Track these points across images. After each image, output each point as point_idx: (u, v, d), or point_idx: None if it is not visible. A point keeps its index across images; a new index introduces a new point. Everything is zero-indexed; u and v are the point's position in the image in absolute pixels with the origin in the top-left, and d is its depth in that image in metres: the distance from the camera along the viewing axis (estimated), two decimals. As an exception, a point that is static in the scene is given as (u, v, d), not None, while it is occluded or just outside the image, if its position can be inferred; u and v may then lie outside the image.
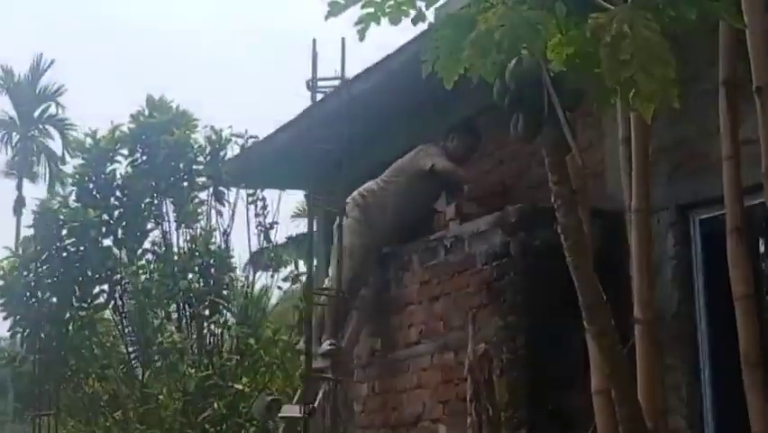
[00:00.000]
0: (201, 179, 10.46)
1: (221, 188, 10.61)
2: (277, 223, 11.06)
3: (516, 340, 6.26)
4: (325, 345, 7.58)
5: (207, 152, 10.56)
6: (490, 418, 5.75)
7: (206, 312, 9.89)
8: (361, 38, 4.33)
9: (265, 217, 10.78)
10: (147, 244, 10.68)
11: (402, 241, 7.77)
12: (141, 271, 10.33)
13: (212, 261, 10.26)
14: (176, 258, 10.32)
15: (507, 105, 3.97)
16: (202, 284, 9.97)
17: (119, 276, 10.18)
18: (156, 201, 10.50)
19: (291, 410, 7.69)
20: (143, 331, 9.72)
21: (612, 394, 4.07)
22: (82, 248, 10.16)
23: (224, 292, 10.33)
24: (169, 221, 10.57)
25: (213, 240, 10.47)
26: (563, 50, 3.77)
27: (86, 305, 10.16)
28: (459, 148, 7.65)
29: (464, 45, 3.74)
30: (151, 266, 10.46)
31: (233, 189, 10.71)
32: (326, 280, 7.88)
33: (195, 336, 9.67)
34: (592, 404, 5.70)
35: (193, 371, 9.17)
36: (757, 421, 4.97)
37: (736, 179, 5.06)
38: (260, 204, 10.73)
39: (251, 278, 10.45)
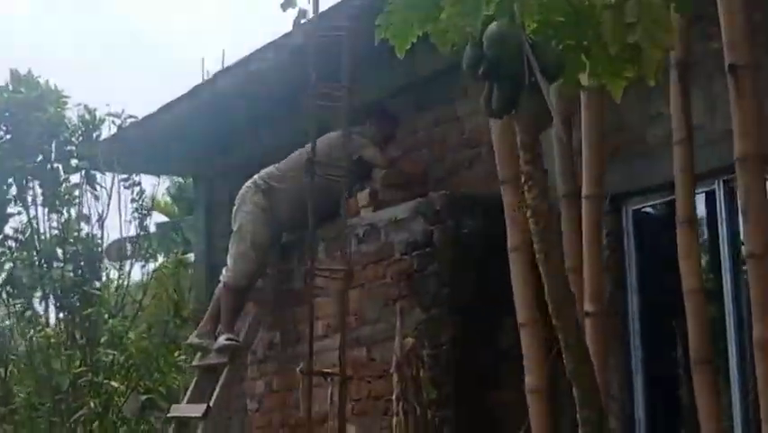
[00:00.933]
0: (74, 162, 9.81)
1: (93, 171, 10.01)
2: (153, 210, 10.56)
3: (441, 335, 5.91)
4: (222, 340, 7.11)
5: (80, 132, 9.94)
6: (417, 417, 5.42)
7: (78, 304, 9.29)
8: None
9: (142, 203, 10.26)
10: (9, 230, 10.03)
11: (307, 229, 7.33)
12: (2, 259, 9.67)
13: (80, 249, 9.67)
14: (40, 246, 9.69)
15: (480, 74, 3.60)
16: (74, 274, 9.35)
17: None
18: (23, 183, 9.83)
19: (184, 410, 7.18)
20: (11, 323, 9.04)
21: (574, 394, 3.74)
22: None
23: (97, 283, 9.76)
24: (36, 205, 9.91)
25: (79, 227, 9.87)
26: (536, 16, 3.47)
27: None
28: (377, 135, 7.24)
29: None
30: (14, 254, 9.81)
31: (109, 174, 10.13)
32: (224, 271, 7.38)
33: (68, 330, 9.05)
34: (521, 403, 5.43)
35: (66, 367, 8.56)
36: (709, 422, 4.75)
37: (688, 164, 4.82)
38: (136, 189, 10.21)
39: (126, 268, 9.82)
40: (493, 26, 3.46)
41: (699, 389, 4.74)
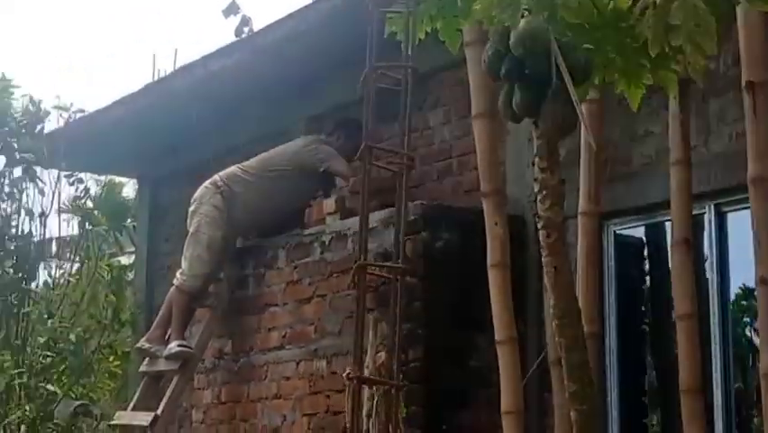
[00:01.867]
0: (17, 154, 9.41)
1: (35, 166, 9.61)
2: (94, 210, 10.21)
3: (410, 351, 5.68)
4: (174, 346, 6.81)
5: (23, 123, 9.54)
6: (385, 436, 5.18)
7: (15, 303, 8.89)
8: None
9: (85, 202, 9.90)
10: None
11: (265, 236, 7.08)
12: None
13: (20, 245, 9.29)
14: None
15: (503, 74, 3.41)
16: (12, 271, 8.96)
17: None
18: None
19: (130, 418, 6.85)
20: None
21: (572, 417, 3.54)
22: None
23: (34, 283, 9.39)
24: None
25: (19, 222, 9.48)
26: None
27: None
28: (346, 147, 7.00)
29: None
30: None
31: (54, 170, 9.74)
32: (178, 274, 7.08)
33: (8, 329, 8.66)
34: (494, 424, 5.25)
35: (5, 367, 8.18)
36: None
37: (686, 185, 4.68)
38: (80, 186, 9.85)
39: (66, 267, 9.44)
40: (523, 23, 3.28)
41: (690, 421, 4.57)
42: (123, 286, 9.84)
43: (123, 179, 11.82)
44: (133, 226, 13.01)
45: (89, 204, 10.22)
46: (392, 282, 4.20)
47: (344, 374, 4.09)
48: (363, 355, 5.27)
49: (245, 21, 9.00)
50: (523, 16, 3.26)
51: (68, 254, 9.80)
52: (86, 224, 9.70)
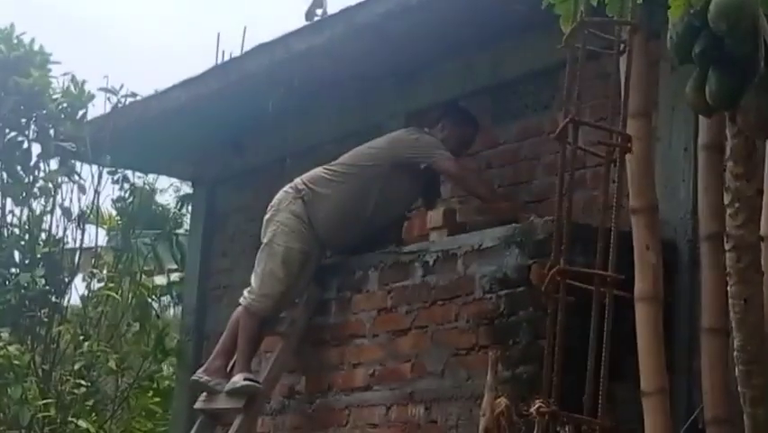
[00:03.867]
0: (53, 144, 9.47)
1: (74, 161, 9.67)
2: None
3: (532, 400, 5.56)
4: (239, 379, 6.77)
5: (62, 107, 9.60)
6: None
7: (45, 319, 8.95)
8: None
9: (131, 203, 9.95)
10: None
11: (354, 251, 7.04)
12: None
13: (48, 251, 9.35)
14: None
15: (697, 54, 3.29)
16: (43, 282, 9.01)
17: None
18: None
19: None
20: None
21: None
22: None
23: (67, 298, 9.44)
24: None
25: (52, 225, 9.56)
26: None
27: None
28: (450, 141, 6.93)
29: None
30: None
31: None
32: (246, 293, 7.03)
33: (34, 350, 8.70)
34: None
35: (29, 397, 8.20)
36: None
37: None
38: (126, 186, 9.89)
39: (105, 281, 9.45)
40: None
41: None
42: (149, 311, 9.89)
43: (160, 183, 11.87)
44: (175, 237, 13.15)
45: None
46: (595, 296, 3.90)
47: (533, 409, 3.87)
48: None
49: (319, 1, 8.91)
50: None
51: (106, 267, 9.77)
52: (132, 231, 9.70)
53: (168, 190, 16.07)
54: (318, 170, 7.13)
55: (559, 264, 3.69)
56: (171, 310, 14.50)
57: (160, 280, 12.83)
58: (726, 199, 3.32)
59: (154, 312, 10.16)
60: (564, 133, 3.66)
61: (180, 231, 13.35)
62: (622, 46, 3.74)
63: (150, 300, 10.15)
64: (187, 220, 12.41)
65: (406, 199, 6.98)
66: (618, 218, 5.18)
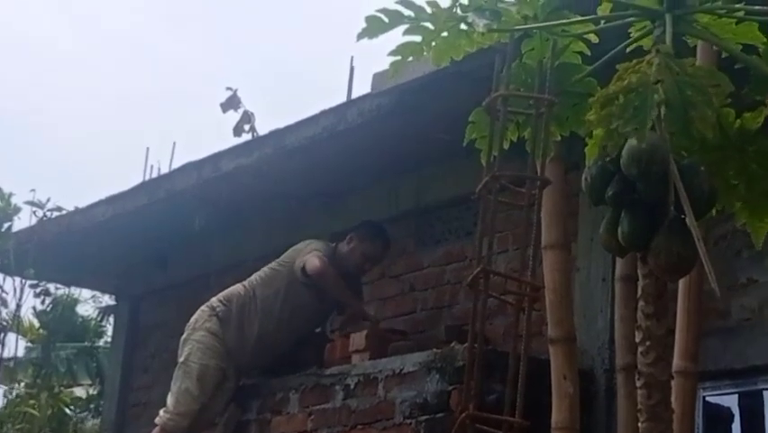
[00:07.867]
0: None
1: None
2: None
3: None
4: (155, 502, 6.68)
5: (-13, 220, 9.59)
6: None
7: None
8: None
9: (52, 317, 9.88)
10: None
11: (272, 372, 7.02)
12: None
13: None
14: None
15: (610, 197, 3.38)
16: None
17: None
18: None
19: None
20: None
21: None
22: None
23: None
24: None
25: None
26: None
27: None
28: (355, 254, 7.00)
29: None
30: None
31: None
32: (161, 412, 6.97)
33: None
34: None
35: None
36: None
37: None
38: (47, 299, 9.82)
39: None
40: (636, 139, 3.25)
41: None
42: (67, 426, 9.76)
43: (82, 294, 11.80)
44: (93, 351, 13.00)
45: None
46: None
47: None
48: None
49: (247, 117, 8.97)
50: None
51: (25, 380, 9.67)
52: (53, 345, 9.62)
53: (89, 301, 15.99)
54: (236, 287, 7.14)
55: (468, 410, 3.69)
56: (90, 422, 14.29)
57: (79, 391, 12.68)
58: (638, 338, 3.36)
59: (72, 425, 9.96)
60: (476, 282, 3.70)
61: (100, 343, 13.22)
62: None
63: (68, 412, 10.01)
64: (107, 332, 12.30)
65: (313, 312, 7.01)
66: (540, 345, 5.27)
